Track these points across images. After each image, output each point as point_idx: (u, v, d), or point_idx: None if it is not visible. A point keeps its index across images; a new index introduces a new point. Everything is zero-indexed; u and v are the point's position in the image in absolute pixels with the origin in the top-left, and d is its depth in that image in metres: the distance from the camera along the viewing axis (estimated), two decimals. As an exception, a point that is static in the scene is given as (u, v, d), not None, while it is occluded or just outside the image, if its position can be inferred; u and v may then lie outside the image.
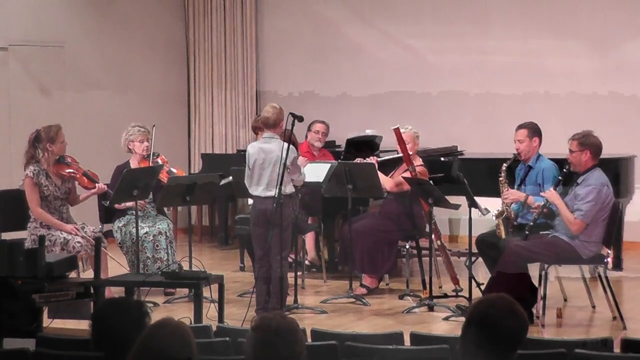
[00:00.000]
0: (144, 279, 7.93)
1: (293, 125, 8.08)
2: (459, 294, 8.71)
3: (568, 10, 11.79)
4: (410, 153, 8.96)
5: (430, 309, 8.45)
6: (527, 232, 7.94)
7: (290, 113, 8.08)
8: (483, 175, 9.58)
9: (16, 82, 11.37)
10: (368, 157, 9.47)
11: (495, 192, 8.53)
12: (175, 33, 13.23)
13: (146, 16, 12.84)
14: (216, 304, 7.73)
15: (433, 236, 8.71)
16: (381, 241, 9.16)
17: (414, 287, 9.15)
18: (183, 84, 13.33)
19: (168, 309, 8.50)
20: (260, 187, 8.14)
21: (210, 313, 7.69)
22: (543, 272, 7.89)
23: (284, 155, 7.90)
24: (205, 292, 7.76)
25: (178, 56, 13.24)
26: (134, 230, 8.86)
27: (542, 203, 8.00)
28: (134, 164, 9.23)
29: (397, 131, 8.92)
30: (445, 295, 8.76)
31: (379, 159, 9.28)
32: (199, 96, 13.28)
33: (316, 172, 8.87)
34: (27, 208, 8.76)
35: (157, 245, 9.00)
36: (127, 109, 12.33)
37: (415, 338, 5.67)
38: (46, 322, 6.99)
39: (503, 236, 8.24)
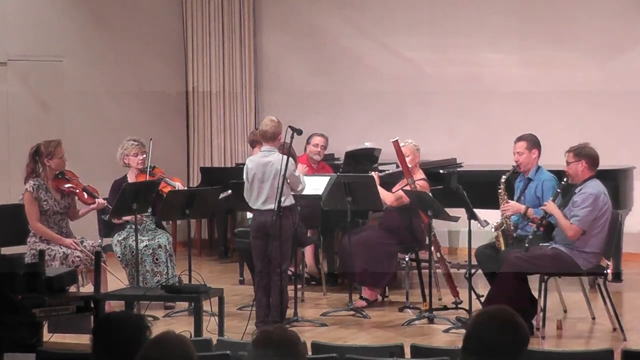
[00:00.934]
0: (143, 292, 7.92)
1: (292, 138, 8.10)
2: (459, 306, 8.71)
3: (566, 21, 11.81)
4: (410, 166, 8.97)
5: (430, 321, 8.44)
6: (526, 245, 7.94)
7: (289, 126, 8.10)
8: (482, 188, 9.59)
9: (15, 97, 11.39)
10: (371, 173, 9.45)
11: (494, 204, 8.54)
12: (174, 47, 13.25)
13: (145, 31, 12.86)
14: (216, 318, 7.73)
15: (432, 248, 8.71)
16: (381, 254, 9.16)
17: (413, 300, 9.14)
18: (182, 98, 13.35)
19: (168, 323, 8.49)
20: (260, 201, 8.15)
21: (210, 326, 7.69)
22: (543, 284, 7.90)
23: (282, 168, 7.90)
24: (205, 306, 7.76)
25: (177, 70, 13.25)
26: (133, 244, 8.86)
27: (541, 215, 8.01)
28: (131, 178, 9.23)
29: (396, 144, 8.93)
30: (445, 308, 8.77)
31: (380, 175, 9.29)
32: (198, 110, 13.30)
33: (315, 184, 8.87)
34: (26, 223, 8.76)
35: (157, 259, 9.01)
36: (126, 123, 12.33)
37: (416, 350, 5.68)
38: (46, 336, 6.99)
39: (502, 248, 8.25)
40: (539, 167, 8.48)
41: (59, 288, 6.98)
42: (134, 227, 8.83)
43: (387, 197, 9.11)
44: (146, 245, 9.00)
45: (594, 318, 8.46)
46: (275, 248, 8.01)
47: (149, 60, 12.87)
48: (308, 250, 10.02)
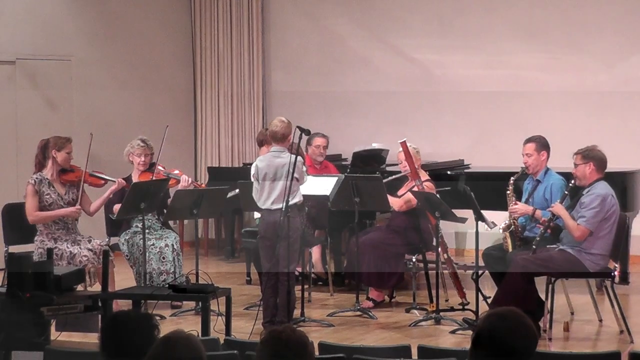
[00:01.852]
0: (151, 292, 7.93)
1: (300, 138, 8.12)
2: (466, 307, 8.70)
3: (575, 25, 11.80)
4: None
5: (437, 322, 8.44)
6: (534, 247, 7.94)
7: (298, 126, 8.12)
8: (489, 189, 9.59)
9: (23, 96, 11.42)
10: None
11: (501, 206, 8.54)
12: (182, 47, 13.26)
13: (153, 30, 12.88)
14: (223, 317, 7.73)
15: (440, 249, 8.71)
16: (388, 255, 9.16)
17: (420, 301, 9.15)
18: (190, 98, 13.36)
19: (175, 322, 8.50)
20: (270, 200, 8.15)
21: (217, 326, 7.69)
22: (550, 286, 7.89)
23: (292, 168, 7.91)
24: (213, 305, 7.76)
25: (185, 70, 13.27)
26: (140, 243, 8.87)
27: (549, 217, 8.01)
28: (135, 177, 9.24)
29: (404, 145, 8.93)
30: (452, 309, 8.76)
31: (383, 181, 9.29)
32: (206, 110, 13.31)
33: (323, 185, 8.87)
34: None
35: (164, 258, 9.01)
36: (134, 123, 12.36)
37: (423, 351, 5.68)
38: (54, 334, 7.01)
39: (510, 249, 8.25)
40: (547, 169, 8.47)
41: (66, 287, 7.00)
42: (140, 225, 8.84)
43: (395, 202, 9.11)
44: (153, 244, 9.01)
45: (601, 320, 8.46)
46: (283, 248, 8.01)
47: (157, 60, 12.89)
48: (315, 251, 10.03)
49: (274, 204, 8.12)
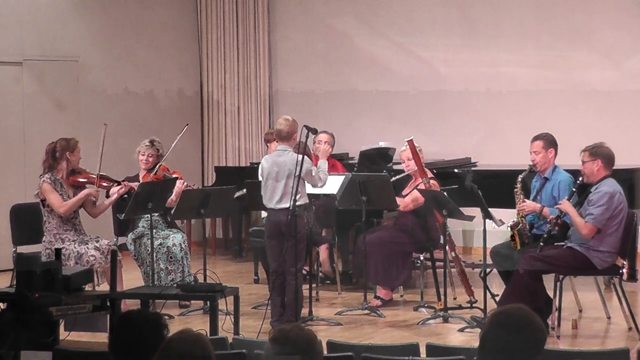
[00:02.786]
0: (159, 291, 7.94)
1: (307, 137, 8.11)
2: (474, 305, 8.71)
3: (581, 21, 11.79)
4: (416, 168, 8.97)
5: (445, 320, 8.44)
6: (541, 244, 7.94)
7: (305, 125, 8.11)
8: (497, 187, 9.58)
9: (31, 97, 11.44)
10: None
11: (509, 204, 8.52)
12: (189, 46, 13.27)
13: (159, 30, 12.89)
14: (231, 316, 7.74)
15: (447, 248, 8.71)
16: (395, 253, 9.16)
17: (428, 299, 9.15)
18: (196, 98, 13.37)
19: (183, 322, 8.52)
20: (274, 200, 8.16)
21: (225, 325, 7.70)
22: (558, 283, 7.89)
23: (297, 168, 7.91)
24: (221, 305, 7.77)
25: (191, 69, 13.28)
26: (147, 242, 8.88)
27: (556, 214, 8.00)
28: (141, 176, 9.26)
29: (411, 143, 8.94)
30: (460, 307, 8.76)
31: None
32: (212, 110, 13.32)
33: (330, 184, 8.87)
34: (41, 222, 8.79)
35: (171, 257, 9.03)
36: (141, 123, 12.38)
37: (431, 349, 5.68)
38: (62, 335, 7.02)
39: (518, 247, 8.24)
40: (555, 167, 8.47)
41: (75, 287, 7.01)
42: (146, 225, 8.85)
43: (401, 202, 9.11)
44: (160, 244, 9.02)
45: (609, 317, 8.45)
46: (289, 247, 8.02)
47: (163, 60, 12.91)
48: (323, 250, 10.03)
49: (278, 203, 8.12)
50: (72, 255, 8.59)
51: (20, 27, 11.41)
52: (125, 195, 8.93)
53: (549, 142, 8.47)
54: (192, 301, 8.83)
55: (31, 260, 6.88)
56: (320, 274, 10.00)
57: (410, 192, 9.12)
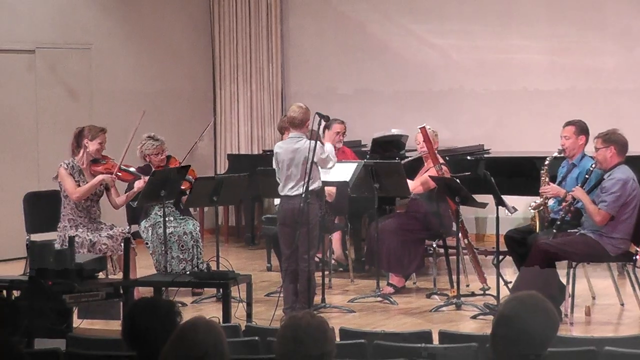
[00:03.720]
0: (172, 279, 7.95)
1: (320, 124, 8.12)
2: (487, 292, 8.70)
3: (593, 7, 11.75)
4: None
5: (458, 307, 8.44)
6: (554, 231, 7.92)
7: (317, 113, 8.11)
8: (510, 174, 9.57)
9: (43, 85, 11.45)
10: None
11: (522, 191, 8.50)
12: (201, 34, 13.27)
13: (172, 17, 12.89)
14: (244, 304, 7.75)
15: (460, 235, 8.70)
16: (408, 240, 9.16)
17: (441, 286, 9.14)
18: (209, 85, 13.37)
19: (196, 309, 8.53)
20: (288, 187, 8.16)
21: (238, 312, 7.72)
22: (571, 270, 7.88)
23: (310, 154, 7.91)
24: (233, 292, 7.79)
25: (204, 57, 13.28)
26: (160, 230, 8.89)
27: (569, 201, 7.98)
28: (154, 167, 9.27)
29: (423, 130, 8.92)
30: (473, 294, 8.76)
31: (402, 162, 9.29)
32: (225, 97, 13.32)
33: (343, 171, 8.87)
34: (55, 209, 8.80)
35: (183, 246, 9.04)
36: (154, 110, 12.37)
37: (444, 336, 5.68)
38: (76, 322, 7.04)
39: (537, 229, 8.21)
40: (584, 155, 8.41)
41: (88, 274, 7.03)
42: (159, 213, 8.86)
43: (411, 184, 9.10)
44: (172, 232, 9.03)
45: (622, 304, 8.44)
46: (302, 234, 8.02)
47: (176, 47, 12.90)
48: (335, 237, 10.04)
49: (292, 190, 8.12)
50: (85, 243, 8.60)
51: (33, 14, 11.42)
52: None
53: (581, 129, 8.41)
54: (205, 289, 8.84)
55: (44, 248, 6.92)
56: (333, 261, 10.00)
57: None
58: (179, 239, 9.04)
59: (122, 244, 8.10)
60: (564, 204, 8.08)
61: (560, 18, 11.88)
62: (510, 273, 8.65)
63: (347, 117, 10.64)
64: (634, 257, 7.97)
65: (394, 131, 11.35)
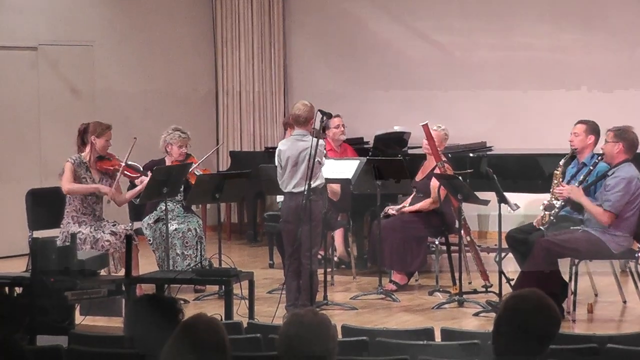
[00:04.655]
0: (174, 276, 7.96)
1: (322, 122, 8.11)
2: (489, 289, 8.70)
3: (596, 5, 11.73)
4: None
5: (460, 304, 8.44)
6: (552, 219, 7.91)
7: (319, 110, 8.11)
8: (512, 171, 9.57)
9: (46, 82, 11.45)
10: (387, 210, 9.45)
11: (524, 188, 8.49)
12: (203, 31, 13.26)
13: (174, 15, 12.88)
14: (246, 301, 7.75)
15: (462, 232, 8.70)
16: (410, 238, 9.16)
17: (443, 283, 9.14)
18: (211, 82, 13.37)
19: (198, 306, 8.54)
20: (292, 184, 8.14)
21: (240, 310, 7.72)
22: (573, 267, 7.88)
23: (313, 151, 7.90)
24: (236, 289, 7.79)
25: (206, 54, 13.27)
26: (163, 227, 8.89)
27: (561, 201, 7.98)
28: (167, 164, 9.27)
29: (426, 127, 8.92)
30: (475, 291, 8.76)
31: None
32: (227, 94, 13.31)
33: (345, 169, 8.88)
34: (58, 206, 8.81)
35: (187, 243, 9.05)
36: (156, 108, 12.39)
37: (446, 334, 5.68)
38: (78, 319, 7.05)
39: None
40: (593, 155, 8.41)
41: (90, 271, 7.03)
42: (164, 210, 8.86)
43: (423, 205, 9.11)
44: (176, 229, 9.04)
45: (625, 302, 8.44)
46: (305, 232, 8.02)
47: (178, 44, 12.89)
48: (338, 234, 10.04)
49: (295, 187, 8.12)
50: (89, 240, 8.61)
51: (35, 12, 11.42)
52: None
53: (591, 128, 8.40)
54: (207, 286, 8.84)
55: (47, 245, 6.91)
56: (335, 258, 10.00)
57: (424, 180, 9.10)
58: (183, 236, 9.04)
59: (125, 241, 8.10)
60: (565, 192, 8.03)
61: (564, 17, 11.86)
62: (513, 270, 8.65)
63: (349, 115, 10.65)
64: (637, 255, 7.98)
65: (397, 128, 11.35)
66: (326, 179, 8.36)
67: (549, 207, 8.16)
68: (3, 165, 11.13)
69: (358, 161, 8.98)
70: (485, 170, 9.06)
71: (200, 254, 9.05)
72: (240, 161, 12.06)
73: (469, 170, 9.25)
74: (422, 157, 9.39)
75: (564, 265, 7.94)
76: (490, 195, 8.31)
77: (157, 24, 12.66)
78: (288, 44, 13.20)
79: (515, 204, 8.18)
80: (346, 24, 12.90)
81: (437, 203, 8.99)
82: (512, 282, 8.27)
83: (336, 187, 9.24)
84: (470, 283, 9.13)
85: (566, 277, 7.92)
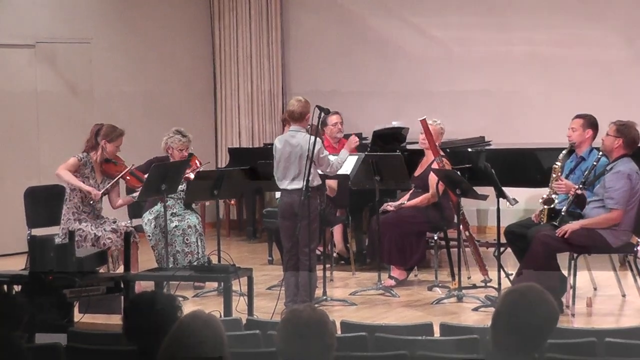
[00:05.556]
0: (173, 273, 7.95)
1: (320, 118, 8.10)
2: (488, 284, 8.70)
3: (595, -1, 11.74)
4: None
5: (459, 299, 8.44)
6: (555, 224, 7.91)
7: (317, 106, 8.09)
8: (510, 166, 9.56)
9: (43, 79, 11.44)
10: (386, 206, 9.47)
11: (522, 183, 8.48)
12: (201, 27, 13.25)
13: (172, 11, 12.87)
14: (245, 297, 7.75)
15: (461, 227, 8.70)
16: (409, 233, 9.16)
17: (442, 279, 9.14)
18: (209, 78, 13.36)
19: (197, 303, 8.53)
20: (287, 180, 8.15)
21: (239, 306, 7.72)
22: (572, 262, 7.87)
23: (310, 148, 7.90)
24: (235, 286, 7.79)
25: (204, 51, 13.26)
26: (163, 224, 8.89)
27: (570, 198, 7.97)
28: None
29: (424, 122, 8.92)
30: (474, 286, 8.76)
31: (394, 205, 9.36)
32: (226, 90, 13.30)
33: (344, 164, 8.86)
34: (56, 204, 8.82)
35: (187, 239, 9.04)
36: (154, 105, 12.38)
37: (445, 329, 5.68)
38: (77, 316, 7.04)
39: (545, 222, 8.17)
40: (592, 149, 8.41)
41: (89, 269, 7.03)
42: (163, 207, 8.86)
43: (422, 200, 9.11)
44: (176, 226, 9.03)
45: (624, 295, 8.44)
46: (303, 228, 8.01)
47: (176, 41, 12.89)
48: (337, 230, 10.03)
49: (290, 184, 8.11)
50: (89, 237, 8.62)
51: (33, 9, 11.40)
52: None
53: (589, 123, 8.39)
54: (206, 282, 8.84)
55: (45, 243, 6.91)
56: (334, 254, 10.00)
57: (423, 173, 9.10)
58: (183, 233, 9.04)
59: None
60: (571, 192, 8.04)
61: (562, 11, 11.85)
62: (512, 265, 8.65)
63: (348, 111, 10.65)
64: (635, 249, 7.98)
65: (395, 124, 11.34)
66: (324, 175, 8.35)
67: (547, 201, 8.16)
68: (1, 162, 11.12)
69: (356, 157, 8.98)
70: (483, 165, 9.06)
71: (200, 251, 9.05)
72: (239, 157, 12.04)
73: (467, 165, 9.25)
74: (421, 153, 9.38)
75: (563, 259, 7.94)
76: (489, 190, 8.31)
77: (155, 20, 12.64)
78: (286, 39, 13.19)
79: (514, 199, 8.18)
80: (344, 20, 12.89)
81: (436, 198, 8.98)
82: (511, 277, 8.27)
83: (333, 182, 9.23)
84: (469, 278, 9.13)
85: (565, 272, 7.92)
